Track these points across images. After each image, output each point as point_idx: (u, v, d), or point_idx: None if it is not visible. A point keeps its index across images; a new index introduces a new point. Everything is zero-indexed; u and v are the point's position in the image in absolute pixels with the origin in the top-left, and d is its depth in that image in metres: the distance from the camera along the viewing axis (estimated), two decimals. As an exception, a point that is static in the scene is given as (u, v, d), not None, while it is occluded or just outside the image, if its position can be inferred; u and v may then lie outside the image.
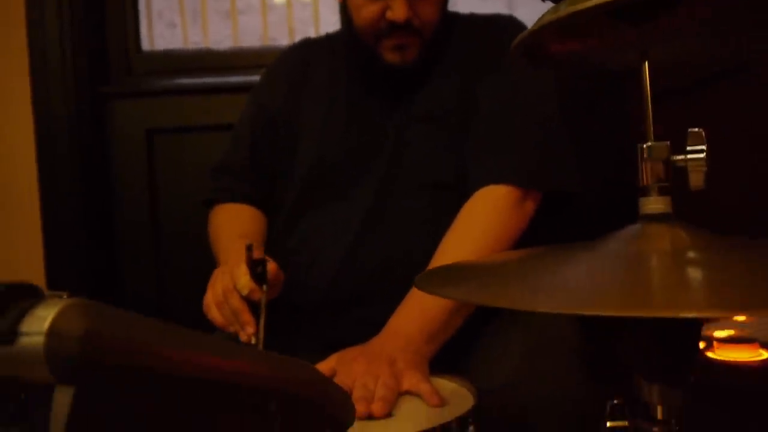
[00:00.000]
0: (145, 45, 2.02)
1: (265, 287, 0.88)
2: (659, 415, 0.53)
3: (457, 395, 0.76)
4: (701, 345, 0.76)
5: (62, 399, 0.29)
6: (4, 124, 1.81)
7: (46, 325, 0.27)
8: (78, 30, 1.84)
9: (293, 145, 1.16)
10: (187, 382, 0.35)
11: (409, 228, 1.03)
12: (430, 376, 0.83)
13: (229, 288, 0.90)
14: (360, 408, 0.73)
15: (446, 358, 0.92)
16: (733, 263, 0.44)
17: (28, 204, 1.82)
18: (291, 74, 1.22)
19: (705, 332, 0.80)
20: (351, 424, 0.57)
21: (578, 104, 1.70)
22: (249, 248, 0.87)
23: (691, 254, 0.46)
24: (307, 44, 1.29)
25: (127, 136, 1.91)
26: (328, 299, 1.04)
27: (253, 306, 0.88)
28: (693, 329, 0.50)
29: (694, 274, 0.43)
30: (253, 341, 0.87)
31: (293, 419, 0.48)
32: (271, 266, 0.90)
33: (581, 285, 0.44)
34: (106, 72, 1.95)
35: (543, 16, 0.53)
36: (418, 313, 0.92)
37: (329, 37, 1.28)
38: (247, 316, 0.88)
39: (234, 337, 0.90)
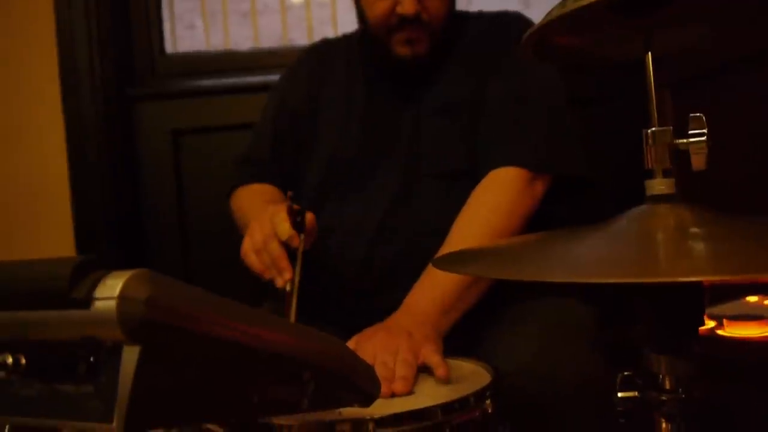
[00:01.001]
0: (169, 47, 2.08)
1: (302, 236, 0.92)
2: (667, 385, 0.56)
3: (475, 373, 0.80)
4: (712, 324, 0.79)
5: (130, 357, 0.33)
6: (35, 126, 1.88)
7: (117, 291, 0.32)
8: (104, 34, 1.90)
9: (313, 140, 1.21)
10: (233, 347, 0.39)
11: (431, 215, 1.07)
12: (449, 358, 0.87)
13: (270, 234, 0.94)
14: (382, 388, 0.77)
15: (464, 342, 0.96)
16: (732, 236, 0.47)
17: (60, 203, 1.89)
18: (311, 72, 1.26)
19: (715, 312, 0.83)
20: (377, 396, 0.61)
21: (587, 94, 1.74)
22: (290, 198, 0.92)
23: (693, 229, 0.50)
24: (326, 44, 1.34)
25: (153, 136, 1.97)
26: (355, 285, 1.08)
27: (290, 253, 0.92)
28: (695, 301, 0.53)
29: (696, 245, 0.47)
30: (288, 288, 0.91)
31: (324, 389, 0.52)
32: (309, 216, 0.95)
33: (592, 258, 0.48)
34: (132, 74, 2.01)
35: (551, 11, 0.57)
36: (432, 289, 0.96)
37: (346, 37, 1.33)
38: (285, 263, 0.92)
39: (270, 284, 0.94)
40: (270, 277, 0.95)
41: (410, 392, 0.76)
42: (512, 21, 1.18)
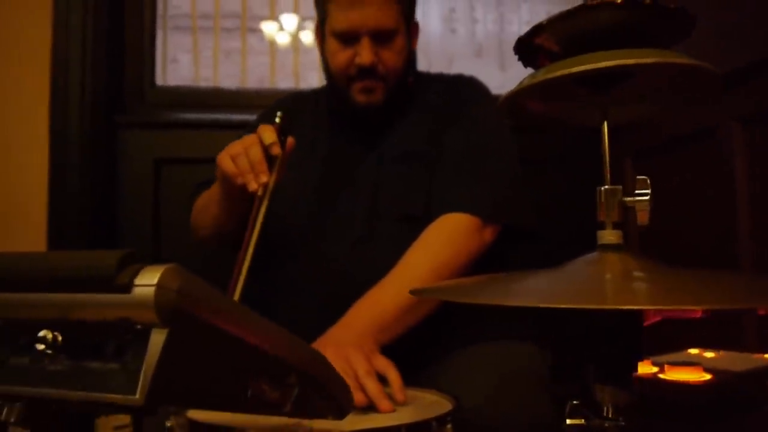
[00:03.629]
0: (159, 80, 2.15)
1: (285, 144, 1.01)
2: (609, 414, 0.64)
3: (437, 402, 0.86)
4: (655, 369, 0.87)
5: (158, 339, 0.39)
6: (20, 143, 1.91)
7: (156, 279, 0.38)
8: (98, 60, 1.97)
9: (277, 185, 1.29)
10: (239, 343, 0.45)
11: (391, 257, 1.13)
12: (411, 388, 0.93)
13: (253, 142, 1.02)
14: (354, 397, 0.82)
15: (423, 378, 1.02)
16: (667, 279, 0.56)
17: (36, 222, 1.90)
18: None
19: (659, 360, 0.92)
20: (350, 410, 0.67)
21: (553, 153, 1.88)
22: (281, 117, 1.02)
23: (636, 273, 0.58)
24: (296, 96, 1.46)
25: (136, 163, 2.02)
26: (318, 321, 1.14)
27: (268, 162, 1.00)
28: (635, 339, 0.61)
29: (638, 285, 0.55)
30: (261, 192, 0.98)
31: (305, 395, 0.58)
32: (291, 139, 1.04)
33: (547, 288, 0.55)
34: (121, 102, 2.07)
35: (523, 80, 0.66)
36: (372, 307, 1.03)
37: (314, 91, 1.45)
38: (264, 166, 0.99)
39: (242, 188, 1.01)
40: (242, 182, 1.01)
41: (376, 410, 0.81)
42: (467, 83, 1.32)
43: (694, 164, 1.65)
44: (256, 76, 2.26)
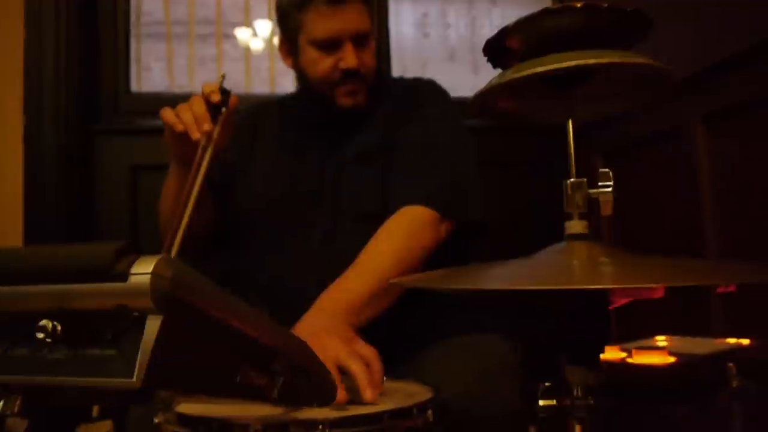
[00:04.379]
0: (134, 86, 2.16)
1: (228, 97, 1.08)
2: (578, 393, 0.67)
3: (418, 391, 0.89)
4: (623, 354, 0.92)
5: (153, 325, 0.42)
6: (-6, 153, 1.90)
7: (151, 268, 0.40)
8: (73, 70, 1.97)
9: (246, 185, 1.32)
10: (228, 329, 0.48)
11: (354, 254, 1.14)
12: (393, 380, 0.96)
13: (197, 97, 1.08)
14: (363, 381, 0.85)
15: (405, 369, 1.05)
16: (632, 263, 0.60)
17: (12, 230, 1.89)
18: (243, 130, 1.37)
19: (628, 346, 0.96)
20: (334, 398, 0.70)
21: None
22: (223, 77, 1.09)
23: (602, 259, 0.62)
24: (260, 106, 1.47)
25: (113, 170, 2.02)
26: (288, 316, 1.16)
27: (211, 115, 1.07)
28: (602, 323, 0.65)
29: (604, 268, 0.59)
30: (203, 142, 1.03)
31: (291, 383, 0.61)
32: (234, 97, 1.10)
33: (521, 272, 0.59)
34: (96, 110, 2.07)
35: (492, 79, 0.70)
36: (340, 292, 1.06)
37: (279, 100, 1.47)
38: (207, 116, 1.05)
39: (183, 135, 1.06)
40: (182, 131, 1.06)
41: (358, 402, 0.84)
42: (424, 84, 1.36)
43: (660, 163, 1.71)
44: (230, 82, 2.27)
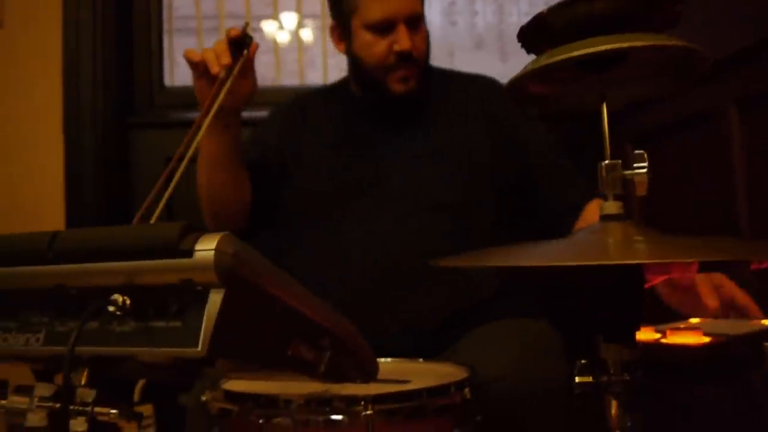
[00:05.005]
0: (168, 80, 2.21)
1: (251, 41, 1.12)
2: (614, 370, 0.69)
3: (455, 371, 0.91)
4: (658, 335, 0.93)
5: (216, 298, 0.45)
6: (36, 148, 1.97)
7: (215, 244, 0.43)
8: (109, 64, 2.02)
9: (292, 176, 1.33)
10: (281, 304, 0.51)
11: (423, 246, 1.18)
12: (431, 362, 0.99)
13: (220, 39, 1.14)
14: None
15: (444, 350, 1.07)
16: (667, 241, 0.62)
17: (55, 225, 1.96)
18: (290, 117, 1.40)
19: (662, 328, 0.97)
20: (375, 376, 0.73)
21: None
22: (246, 24, 1.13)
23: (637, 238, 0.64)
24: (307, 94, 1.49)
25: (148, 163, 2.07)
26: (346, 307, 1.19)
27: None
28: (637, 300, 0.66)
29: (639, 246, 0.61)
30: (223, 74, 1.09)
31: (336, 359, 0.64)
32: (255, 43, 1.14)
33: (556, 251, 0.61)
34: (132, 106, 2.13)
35: (527, 65, 0.71)
36: None
37: (327, 89, 1.49)
38: (227, 52, 1.10)
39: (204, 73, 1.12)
40: (199, 60, 1.12)
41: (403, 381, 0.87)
42: (490, 82, 1.38)
43: (692, 148, 1.70)
44: (260, 76, 2.31)
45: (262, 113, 1.57)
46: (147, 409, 1.43)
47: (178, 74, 2.25)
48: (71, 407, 0.52)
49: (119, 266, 0.46)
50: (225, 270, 0.43)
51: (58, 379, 0.56)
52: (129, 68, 2.13)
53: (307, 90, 1.53)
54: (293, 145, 1.35)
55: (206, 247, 0.43)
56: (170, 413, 1.05)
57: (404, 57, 1.22)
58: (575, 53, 0.65)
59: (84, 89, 2.00)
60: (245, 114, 2.07)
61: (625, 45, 0.63)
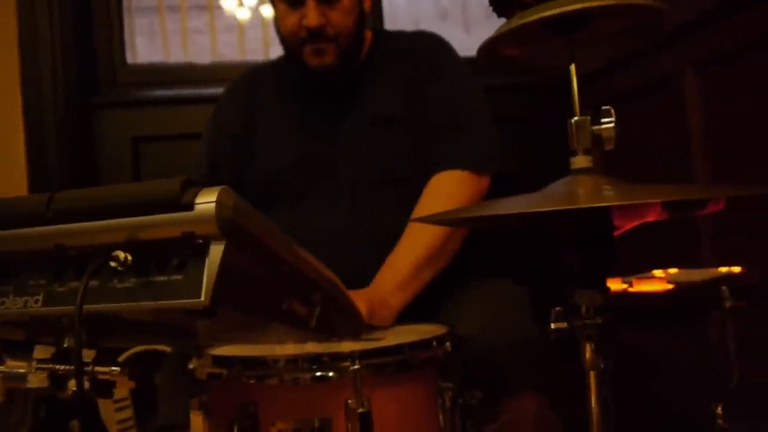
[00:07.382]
0: (130, 58, 2.17)
1: None
2: (584, 313, 0.73)
3: (435, 329, 0.95)
4: (624, 285, 0.98)
5: (217, 249, 0.47)
6: (-4, 133, 1.92)
7: (215, 197, 0.45)
8: (68, 43, 1.98)
9: (252, 159, 1.31)
10: (277, 258, 0.53)
11: (377, 220, 1.20)
12: (412, 323, 1.02)
13: None
14: None
15: (423, 312, 1.11)
16: (633, 188, 0.66)
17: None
18: (242, 98, 1.38)
19: (627, 278, 1.02)
20: (362, 332, 0.76)
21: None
22: None
23: (605, 187, 0.68)
24: (253, 72, 1.44)
25: (113, 143, 2.04)
26: None
27: None
28: (608, 245, 0.71)
29: (608, 193, 0.65)
30: None
31: (326, 314, 0.66)
32: None
33: (529, 201, 0.65)
34: (94, 83, 2.09)
35: (499, 27, 0.74)
36: (390, 270, 1.12)
37: (271, 64, 1.44)
38: None
39: None
40: None
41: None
42: (432, 39, 1.34)
43: (653, 112, 1.76)
44: (222, 54, 2.29)
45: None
46: (122, 392, 1.44)
47: (139, 53, 2.22)
48: (67, 367, 0.53)
49: (121, 223, 0.47)
50: (225, 221, 0.45)
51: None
52: (90, 45, 2.09)
53: (253, 67, 1.47)
54: (246, 129, 1.33)
55: (207, 200, 0.45)
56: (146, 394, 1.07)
57: (313, 33, 1.20)
58: (546, 13, 0.68)
59: (44, 69, 1.95)
60: (210, 91, 2.07)
61: (594, 4, 0.67)
